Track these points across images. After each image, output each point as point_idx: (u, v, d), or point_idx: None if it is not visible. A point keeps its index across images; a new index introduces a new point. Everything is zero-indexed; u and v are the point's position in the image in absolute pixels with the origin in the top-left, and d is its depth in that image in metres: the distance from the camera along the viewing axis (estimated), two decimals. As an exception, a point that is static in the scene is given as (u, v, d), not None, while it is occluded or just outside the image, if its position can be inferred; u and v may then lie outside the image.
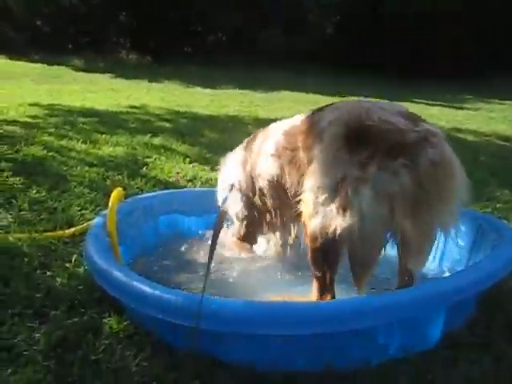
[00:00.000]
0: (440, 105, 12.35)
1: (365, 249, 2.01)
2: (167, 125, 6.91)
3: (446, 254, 2.85)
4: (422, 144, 1.94)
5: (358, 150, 1.99)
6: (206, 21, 21.93)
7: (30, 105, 7.88)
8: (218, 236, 2.33)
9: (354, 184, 1.97)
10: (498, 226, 2.60)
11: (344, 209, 1.99)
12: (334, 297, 2.21)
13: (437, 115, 10.12)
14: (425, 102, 12.73)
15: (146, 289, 1.90)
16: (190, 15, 20.60)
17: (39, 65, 17.36)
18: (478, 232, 2.67)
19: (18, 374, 1.82)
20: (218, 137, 6.14)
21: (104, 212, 2.73)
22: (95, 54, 19.91)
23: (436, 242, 2.85)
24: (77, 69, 16.79)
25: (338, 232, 2.01)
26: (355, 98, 11.83)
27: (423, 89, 15.74)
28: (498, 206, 4.22)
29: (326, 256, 2.17)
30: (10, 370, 1.83)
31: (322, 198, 2.06)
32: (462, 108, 12.10)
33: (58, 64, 17.37)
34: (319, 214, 2.08)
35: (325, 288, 2.20)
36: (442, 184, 1.96)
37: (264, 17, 19.44)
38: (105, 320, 2.14)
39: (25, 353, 1.92)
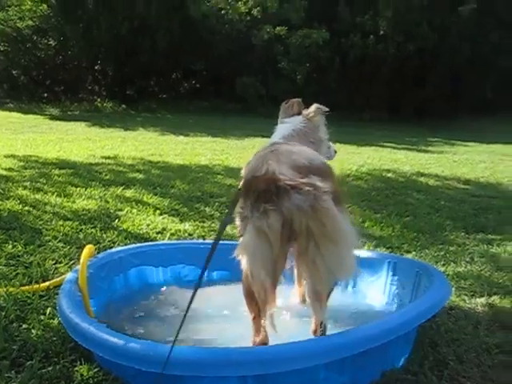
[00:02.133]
0: (406, 148, 12.81)
1: (255, 282, 2.31)
2: (139, 176, 7.15)
3: (393, 296, 3.16)
4: (289, 192, 2.23)
5: (247, 196, 2.38)
6: (180, 69, 22.52)
7: (6, 156, 8.09)
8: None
9: (245, 221, 2.38)
10: (431, 273, 2.92)
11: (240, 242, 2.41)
12: (264, 339, 2.47)
13: (402, 160, 10.54)
14: (393, 145, 13.19)
15: (113, 339, 2.13)
16: (165, 63, 21.10)
17: (15, 114, 17.58)
18: (416, 278, 2.98)
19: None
20: (187, 188, 6.38)
21: (76, 267, 2.96)
22: (71, 103, 20.24)
23: (383, 286, 3.20)
24: (53, 118, 17.03)
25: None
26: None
27: (393, 132, 16.30)
28: (450, 249, 4.52)
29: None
30: (-11, 418, 2.03)
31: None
32: (427, 151, 12.57)
33: (34, 113, 17.62)
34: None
35: (255, 330, 2.50)
36: (313, 230, 2.22)
37: (237, 65, 20.01)
38: (76, 368, 2.34)
39: (2, 401, 2.12)
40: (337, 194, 2.40)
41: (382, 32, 19.65)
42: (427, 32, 18.82)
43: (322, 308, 2.44)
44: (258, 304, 2.43)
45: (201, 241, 4.28)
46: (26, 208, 4.93)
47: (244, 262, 2.38)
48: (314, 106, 3.21)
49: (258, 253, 2.27)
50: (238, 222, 2.49)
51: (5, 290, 3.08)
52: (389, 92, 19.71)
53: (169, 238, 4.36)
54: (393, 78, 19.59)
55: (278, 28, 19.96)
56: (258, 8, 20.55)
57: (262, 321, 2.46)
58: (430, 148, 13.35)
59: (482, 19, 19.51)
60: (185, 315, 2.14)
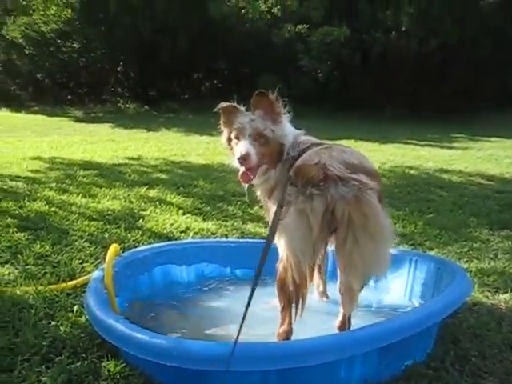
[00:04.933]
0: (429, 145, 12.67)
1: (292, 263, 2.39)
2: (163, 176, 7.24)
3: (415, 292, 3.19)
4: (337, 182, 2.33)
5: (295, 181, 2.46)
6: (201, 69, 22.61)
7: (32, 158, 8.27)
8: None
9: (289, 205, 2.43)
10: (453, 270, 2.93)
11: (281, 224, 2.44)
12: (288, 330, 2.53)
13: (425, 156, 10.44)
14: (415, 142, 13.05)
15: (138, 335, 2.19)
16: (186, 63, 21.19)
17: (40, 116, 17.85)
18: (438, 274, 3.00)
19: (28, 414, 2.09)
20: (210, 187, 6.44)
21: (102, 266, 3.03)
22: (94, 105, 20.48)
23: (405, 282, 3.22)
24: (77, 120, 17.23)
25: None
26: (349, 142, 12.07)
27: (416, 128, 16.13)
28: (474, 245, 4.49)
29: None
30: (21, 410, 2.10)
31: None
32: (450, 148, 12.42)
33: (59, 115, 17.86)
34: None
35: (282, 320, 2.56)
36: (353, 220, 2.31)
37: (258, 64, 20.01)
38: (104, 363, 2.41)
39: (34, 395, 2.19)
40: (380, 195, 2.48)
41: (403, 28, 19.48)
42: (450, 27, 18.60)
43: (353, 302, 2.50)
44: (288, 294, 2.48)
45: (224, 239, 4.33)
46: (53, 209, 5.04)
47: (282, 244, 2.44)
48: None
49: (298, 234, 2.35)
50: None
51: (34, 288, 3.18)
52: (410, 88, 19.53)
53: (192, 237, 4.42)
54: (414, 74, 19.38)
55: (298, 26, 19.91)
56: (279, 7, 20.54)
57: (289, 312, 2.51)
58: (453, 144, 13.17)
59: (504, 11, 19.22)
60: (245, 313, 2.19)
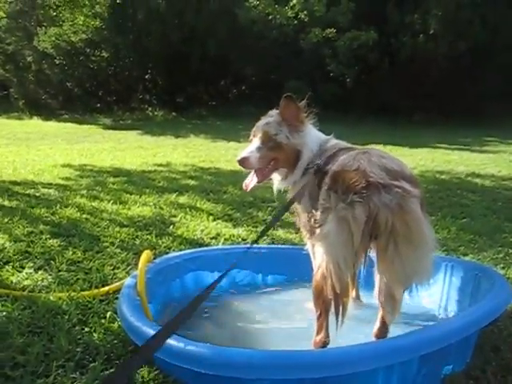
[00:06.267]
0: (460, 149, 12.51)
1: (333, 271, 2.32)
2: (192, 182, 7.26)
3: (451, 298, 3.11)
4: (379, 189, 2.26)
5: (334, 187, 2.40)
6: (229, 75, 22.71)
7: (63, 166, 8.40)
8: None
9: (326, 212, 2.39)
10: (491, 276, 2.85)
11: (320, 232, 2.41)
12: (325, 339, 2.49)
13: (456, 160, 10.31)
14: (446, 146, 12.90)
15: (172, 342, 2.17)
16: (213, 70, 21.32)
17: (70, 124, 18.13)
18: (475, 280, 2.92)
19: (63, 420, 2.09)
20: (239, 193, 6.41)
21: (134, 273, 3.03)
22: (123, 112, 20.74)
23: (442, 289, 3.14)
24: (106, 127, 17.45)
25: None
26: (377, 146, 12.01)
27: (446, 132, 15.93)
28: (510, 251, 4.38)
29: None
30: (56, 417, 2.10)
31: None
32: (482, 151, 12.24)
33: (88, 123, 18.11)
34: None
35: (318, 328, 2.52)
36: (397, 229, 2.24)
37: (286, 70, 20.01)
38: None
39: (68, 401, 2.18)
40: (423, 202, 2.42)
41: (431, 31, 19.29)
42: (479, 30, 18.34)
43: (395, 310, 2.45)
44: (325, 302, 2.44)
45: (255, 245, 4.29)
46: (84, 215, 5.08)
47: (321, 252, 2.39)
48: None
49: (340, 242, 2.28)
50: (318, 213, 2.48)
51: (67, 294, 3.19)
52: (440, 92, 19.31)
53: (223, 243, 4.40)
54: (444, 78, 19.18)
55: (326, 31, 19.83)
56: (305, 12, 20.51)
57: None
58: (484, 148, 12.97)
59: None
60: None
